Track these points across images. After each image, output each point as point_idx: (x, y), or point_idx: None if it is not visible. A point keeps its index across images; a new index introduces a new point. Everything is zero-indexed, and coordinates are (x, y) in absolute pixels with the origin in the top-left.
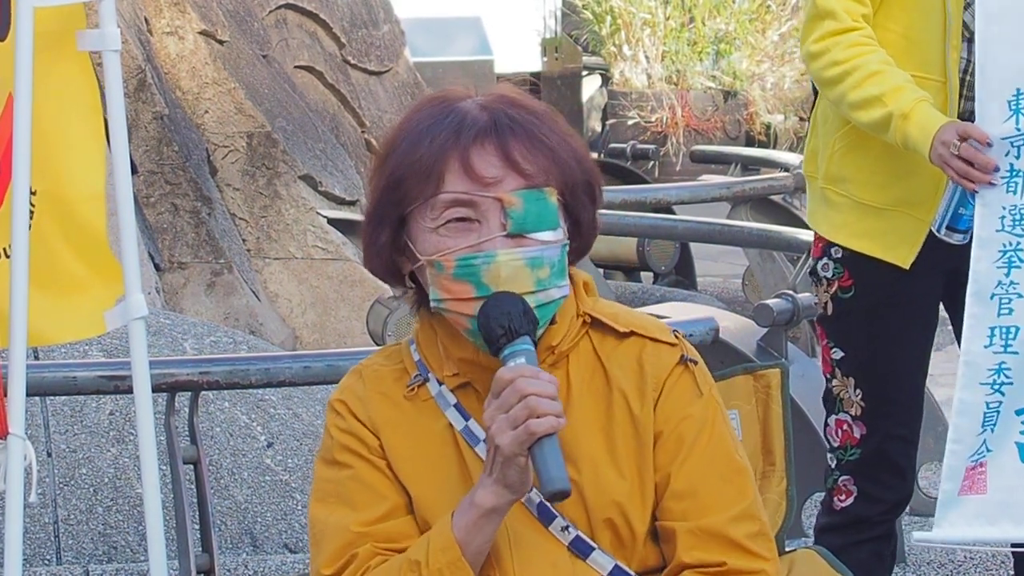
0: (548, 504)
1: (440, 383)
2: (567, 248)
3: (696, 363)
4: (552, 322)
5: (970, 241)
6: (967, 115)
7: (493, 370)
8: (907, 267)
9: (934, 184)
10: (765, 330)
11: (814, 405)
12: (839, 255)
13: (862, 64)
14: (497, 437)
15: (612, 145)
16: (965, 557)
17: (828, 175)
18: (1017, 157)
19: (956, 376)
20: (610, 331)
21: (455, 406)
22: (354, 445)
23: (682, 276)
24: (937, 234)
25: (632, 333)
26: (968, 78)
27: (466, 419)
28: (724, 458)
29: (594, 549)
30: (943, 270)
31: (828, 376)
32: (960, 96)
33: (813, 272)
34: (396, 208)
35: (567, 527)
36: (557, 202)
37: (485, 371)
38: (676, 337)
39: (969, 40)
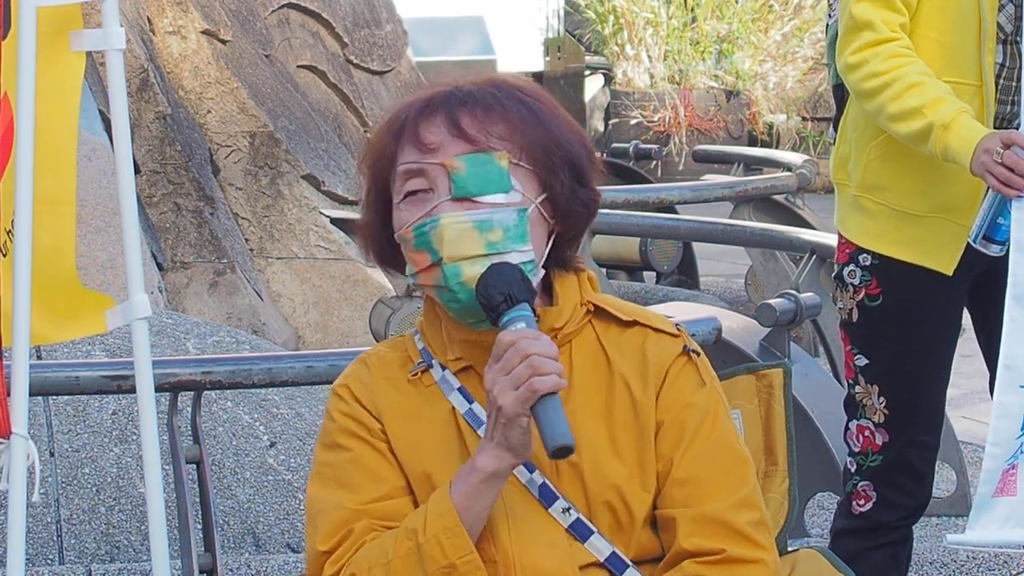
0: (550, 485)
1: (444, 368)
2: (526, 213)
3: (699, 354)
4: (553, 303)
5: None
6: (1000, 118)
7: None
8: (950, 273)
9: (973, 189)
10: (768, 330)
11: (817, 405)
12: (867, 262)
13: (901, 75)
14: (500, 398)
15: (615, 145)
16: (968, 557)
17: (863, 183)
18: None
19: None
20: (613, 319)
21: (459, 390)
22: (355, 428)
23: (685, 276)
24: (974, 244)
25: (635, 323)
26: (1002, 81)
27: (470, 402)
28: (725, 447)
29: (593, 533)
30: (970, 276)
31: (851, 382)
32: (995, 100)
33: (838, 277)
34: (378, 193)
35: (568, 509)
36: (509, 166)
37: (487, 351)
38: (678, 329)
39: (1003, 42)
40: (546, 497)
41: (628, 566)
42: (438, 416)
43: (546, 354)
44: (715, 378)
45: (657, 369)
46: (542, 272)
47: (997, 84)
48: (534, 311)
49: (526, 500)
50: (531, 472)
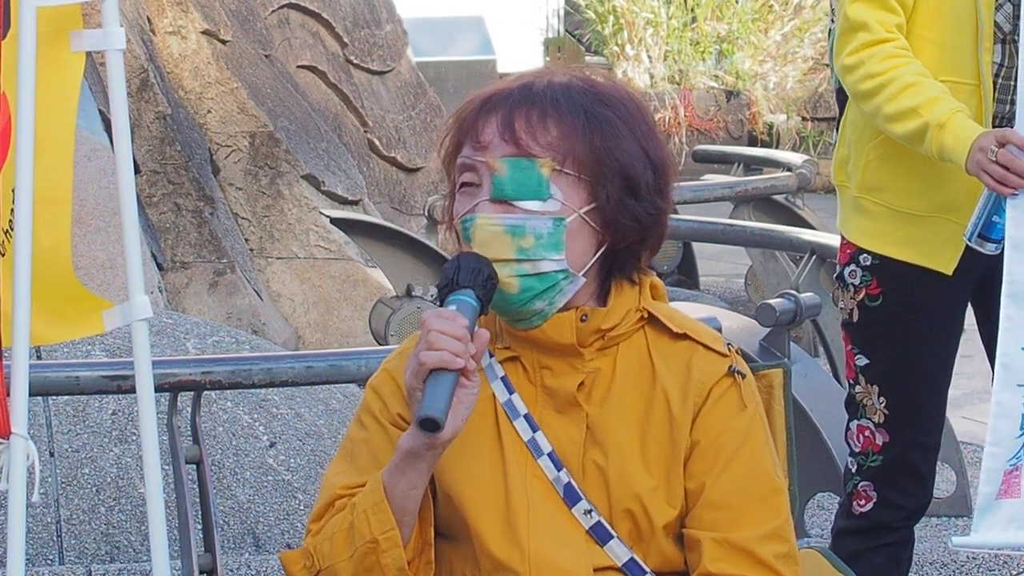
0: (574, 485)
1: (492, 355)
2: (563, 222)
3: (744, 376)
4: (603, 304)
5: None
6: (999, 117)
7: (540, 346)
8: (950, 273)
9: (972, 188)
10: (768, 330)
11: (817, 405)
12: (868, 263)
13: (897, 76)
14: (405, 372)
15: None
16: (968, 557)
17: (863, 184)
18: None
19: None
20: (665, 330)
21: (502, 379)
22: (377, 409)
23: (685, 276)
24: (969, 243)
25: (685, 336)
26: (1000, 80)
27: (510, 392)
28: (762, 475)
29: (613, 537)
30: (974, 277)
31: (851, 382)
32: (993, 99)
33: (839, 277)
34: (449, 176)
35: (590, 511)
36: (550, 174)
37: (533, 346)
38: (728, 349)
39: (1002, 41)
40: (570, 496)
41: (646, 573)
42: (479, 401)
43: (448, 332)
44: (759, 403)
45: (700, 387)
46: (582, 280)
47: (995, 83)
48: (481, 301)
49: (551, 497)
50: (559, 470)
